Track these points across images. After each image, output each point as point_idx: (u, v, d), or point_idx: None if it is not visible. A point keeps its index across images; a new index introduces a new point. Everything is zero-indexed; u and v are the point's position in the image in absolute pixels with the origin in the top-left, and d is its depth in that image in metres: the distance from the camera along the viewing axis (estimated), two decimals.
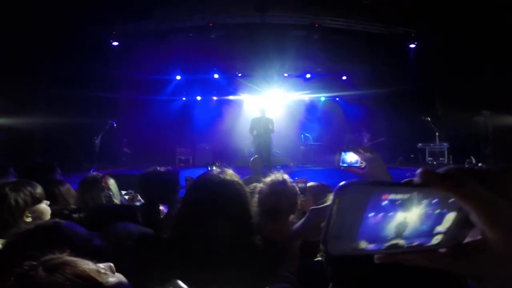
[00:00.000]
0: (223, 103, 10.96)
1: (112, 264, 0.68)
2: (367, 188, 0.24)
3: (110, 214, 1.30)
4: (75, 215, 1.38)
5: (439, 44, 7.94)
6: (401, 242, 0.26)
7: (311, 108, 10.99)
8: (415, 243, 0.26)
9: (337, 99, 10.89)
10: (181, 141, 10.04)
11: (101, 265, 0.65)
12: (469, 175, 0.24)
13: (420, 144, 8.47)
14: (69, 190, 1.95)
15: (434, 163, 8.00)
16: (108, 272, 0.65)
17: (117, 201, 1.86)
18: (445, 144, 8.06)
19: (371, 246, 0.26)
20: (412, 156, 8.92)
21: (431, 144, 8.25)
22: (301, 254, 1.06)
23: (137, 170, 6.90)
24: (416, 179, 0.25)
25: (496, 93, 6.84)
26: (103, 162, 6.52)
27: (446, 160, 8.02)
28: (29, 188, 1.28)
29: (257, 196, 1.55)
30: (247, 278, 0.87)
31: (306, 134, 10.23)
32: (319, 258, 1.14)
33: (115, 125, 6.50)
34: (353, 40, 8.61)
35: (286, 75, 10.06)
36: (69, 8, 6.47)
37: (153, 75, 9.40)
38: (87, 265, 0.62)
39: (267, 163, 6.33)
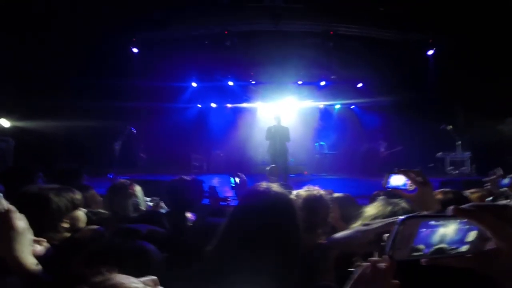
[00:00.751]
0: (238, 111, 11.03)
1: (156, 278, 0.66)
2: (419, 220, 0.40)
3: (140, 220, 1.32)
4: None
5: (459, 50, 7.75)
6: (441, 249, 0.41)
7: (325, 116, 10.89)
8: (451, 250, 0.41)
9: (352, 106, 10.76)
10: (196, 148, 10.15)
11: (146, 279, 0.64)
12: (485, 210, 0.39)
13: (440, 153, 8.21)
14: (94, 196, 2.00)
15: (456, 172, 7.72)
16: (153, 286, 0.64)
17: (143, 208, 1.89)
18: (467, 153, 7.78)
19: (419, 253, 0.40)
20: (431, 165, 8.65)
21: (452, 153, 7.98)
22: (335, 265, 1.03)
23: (154, 175, 7.02)
24: (448, 212, 0.40)
25: None
26: (121, 167, 6.66)
27: (468, 170, 7.72)
28: (70, 194, 1.30)
29: None
30: None
31: (321, 143, 10.14)
32: (354, 269, 1.10)
33: (134, 131, 6.65)
34: (368, 47, 8.53)
35: (300, 82, 10.05)
36: (92, 16, 6.74)
37: (170, 82, 9.60)
38: (135, 285, 0.60)
39: (283, 172, 6.29)
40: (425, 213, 0.44)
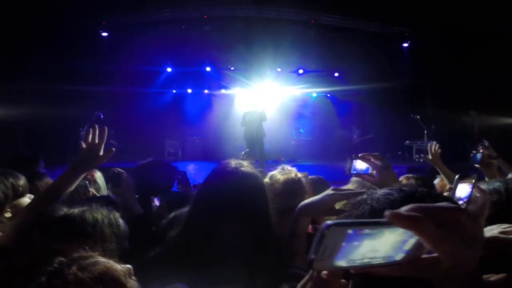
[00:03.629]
0: (215, 97, 10.81)
1: (130, 267, 0.65)
2: (347, 228, 0.32)
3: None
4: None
5: (432, 44, 8.05)
6: (371, 260, 0.35)
7: (302, 103, 11.00)
8: (383, 261, 0.35)
9: (328, 95, 10.94)
10: (171, 134, 9.87)
11: (123, 266, 0.63)
12: (425, 216, 0.33)
13: (407, 142, 8.63)
14: (48, 184, 1.84)
15: (421, 160, 8.18)
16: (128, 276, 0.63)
17: (103, 194, 1.77)
18: (431, 142, 8.23)
19: (346, 264, 0.34)
20: (399, 153, 9.08)
21: (419, 142, 8.41)
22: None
23: (124, 163, 6.73)
24: (383, 220, 0.33)
25: (483, 94, 7.02)
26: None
27: None
28: (11, 180, 1.15)
29: None
30: (261, 280, 0.82)
31: (301, 130, 10.26)
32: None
33: (102, 116, 6.30)
34: (348, 38, 8.61)
35: (279, 70, 9.99)
36: None
37: (143, 66, 9.15)
38: (117, 267, 0.60)
39: (259, 158, 6.29)
40: (354, 220, 0.36)
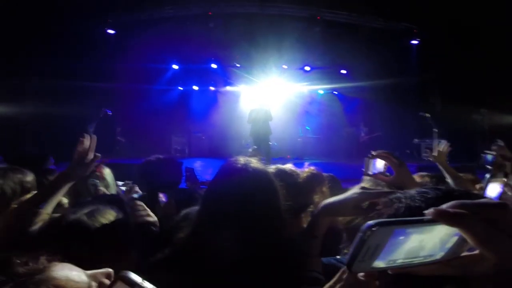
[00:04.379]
0: (221, 94, 10.80)
1: (110, 271, 0.58)
2: (392, 227, 0.31)
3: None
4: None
5: (441, 41, 7.89)
6: (412, 260, 0.34)
7: (309, 100, 10.91)
8: (424, 260, 0.34)
9: (335, 92, 10.83)
10: (177, 131, 9.90)
11: (98, 271, 0.57)
12: (469, 211, 0.32)
13: (416, 140, 8.48)
14: None
15: (430, 159, 8.05)
16: (103, 281, 0.56)
17: (113, 192, 1.77)
18: (442, 141, 8.07)
19: (385, 265, 0.33)
20: (408, 151, 8.95)
21: (427, 140, 8.27)
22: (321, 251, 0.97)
23: (132, 159, 6.78)
24: (427, 217, 0.32)
25: (494, 92, 6.86)
26: (96, 151, 6.39)
27: None
28: (19, 176, 1.18)
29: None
30: (278, 285, 0.80)
31: (307, 127, 10.19)
32: (341, 257, 1.06)
33: (109, 113, 6.35)
34: (354, 34, 8.51)
35: (285, 67, 9.92)
36: None
37: (150, 64, 9.19)
38: (74, 282, 0.51)
39: (265, 155, 6.27)
40: (398, 219, 0.34)
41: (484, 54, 7.01)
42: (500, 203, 0.33)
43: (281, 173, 1.46)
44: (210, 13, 8.37)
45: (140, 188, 2.13)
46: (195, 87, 10.68)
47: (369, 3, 7.58)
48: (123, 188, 2.16)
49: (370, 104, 9.93)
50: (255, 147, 5.10)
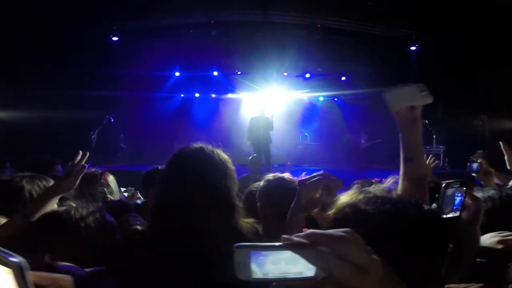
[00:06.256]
0: (222, 101, 10.91)
1: (69, 277, 0.62)
2: (247, 250, 0.38)
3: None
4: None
5: (440, 47, 7.97)
6: (286, 275, 0.38)
7: (309, 107, 10.99)
8: (296, 276, 0.38)
9: (336, 99, 10.90)
10: (179, 138, 9.96)
11: (61, 277, 0.61)
12: (313, 241, 0.37)
13: None
14: None
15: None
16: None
17: (116, 198, 1.82)
18: (441, 147, 8.09)
19: (262, 276, 0.38)
20: None
21: (427, 147, 8.27)
22: None
23: (134, 166, 6.85)
24: (279, 244, 0.38)
25: (494, 98, 6.89)
26: (99, 158, 6.46)
27: (441, 163, 8.06)
28: (44, 182, 1.29)
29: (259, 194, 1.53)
30: None
31: (306, 134, 10.23)
32: None
33: (112, 120, 6.44)
34: (354, 41, 8.60)
35: (285, 74, 10.03)
36: (69, 3, 6.36)
37: (152, 71, 9.32)
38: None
39: (266, 163, 6.32)
40: (253, 244, 0.40)
41: (484, 59, 7.07)
42: (339, 236, 0.37)
43: (280, 180, 1.52)
44: (212, 21, 8.51)
45: (142, 195, 2.19)
46: (197, 94, 10.79)
47: (368, 10, 7.69)
48: (126, 194, 2.21)
49: (370, 111, 9.98)
50: (255, 155, 5.14)
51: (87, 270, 0.61)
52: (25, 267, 0.40)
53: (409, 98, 0.99)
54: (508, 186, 1.88)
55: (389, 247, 0.45)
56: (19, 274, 0.40)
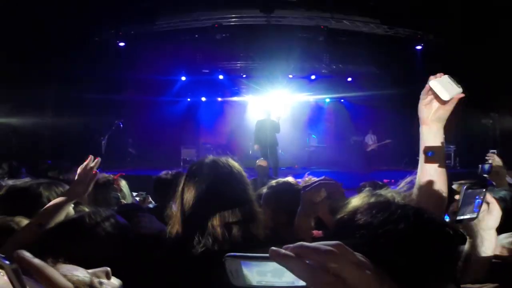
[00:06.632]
0: (228, 104, 10.96)
1: (108, 269, 0.65)
2: (237, 260, 0.40)
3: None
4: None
5: (446, 46, 7.88)
6: (274, 283, 0.40)
7: (316, 109, 10.95)
8: (287, 285, 0.39)
9: (342, 100, 10.85)
10: (186, 142, 10.06)
11: (97, 270, 0.64)
12: (298, 255, 0.37)
13: None
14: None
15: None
16: (103, 280, 0.63)
17: (128, 202, 1.86)
18: (451, 147, 7.98)
19: (256, 284, 0.40)
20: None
21: None
22: None
23: (142, 170, 6.92)
24: (267, 255, 0.38)
25: (504, 96, 6.77)
26: (108, 162, 6.56)
27: (452, 163, 7.93)
28: (60, 189, 1.31)
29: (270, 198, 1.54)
30: None
31: (313, 136, 10.20)
32: None
33: (121, 125, 6.53)
34: (359, 42, 8.56)
35: (291, 76, 10.03)
36: (77, 9, 6.50)
37: (158, 76, 9.43)
38: (79, 278, 0.58)
39: (273, 166, 6.31)
40: (243, 254, 0.40)
41: (492, 56, 6.95)
42: (326, 250, 0.37)
43: (287, 185, 1.53)
44: (216, 25, 8.59)
45: (153, 200, 2.22)
46: (203, 98, 10.88)
47: (373, 10, 7.66)
48: (137, 199, 2.25)
49: (377, 112, 9.90)
50: (262, 158, 5.15)
51: (90, 271, 0.64)
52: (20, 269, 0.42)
53: (452, 89, 0.95)
54: None
55: (388, 255, 0.45)
56: (14, 276, 0.42)
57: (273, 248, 0.38)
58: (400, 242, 0.53)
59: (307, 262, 0.36)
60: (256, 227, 1.00)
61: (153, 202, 2.13)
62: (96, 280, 0.61)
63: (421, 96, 1.00)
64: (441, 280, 0.54)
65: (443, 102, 0.96)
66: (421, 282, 0.51)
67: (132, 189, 2.57)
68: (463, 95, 0.96)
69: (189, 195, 1.04)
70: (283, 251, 0.37)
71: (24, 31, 6.27)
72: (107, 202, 1.70)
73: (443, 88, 0.94)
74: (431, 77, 0.98)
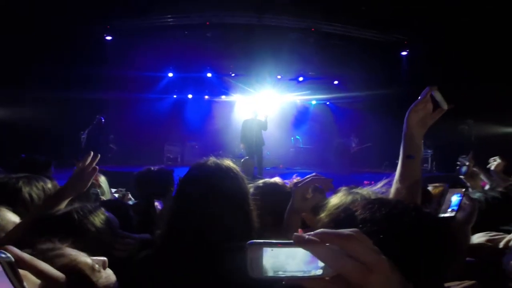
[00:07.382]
0: (215, 103, 10.89)
1: (105, 259, 0.67)
2: (261, 246, 0.40)
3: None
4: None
5: (430, 53, 8.16)
6: (294, 273, 0.39)
7: (302, 111, 11.08)
8: (304, 274, 0.39)
9: (328, 103, 11.03)
10: (170, 139, 9.90)
11: (95, 259, 0.66)
12: (322, 240, 0.38)
13: None
14: (55, 187, 1.88)
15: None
16: (100, 269, 0.65)
17: (107, 198, 1.81)
18: (429, 151, 8.28)
19: (273, 275, 0.40)
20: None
21: None
22: None
23: (123, 167, 6.75)
24: (291, 241, 0.39)
25: (480, 102, 7.10)
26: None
27: (429, 167, 8.24)
28: (41, 183, 1.28)
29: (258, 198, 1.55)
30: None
31: (297, 137, 10.30)
32: None
33: (103, 120, 6.34)
34: (347, 45, 8.73)
35: (279, 77, 10.10)
36: (62, 2, 6.26)
37: (145, 71, 9.24)
38: (84, 259, 0.62)
39: (258, 165, 6.33)
40: (268, 241, 0.40)
41: (471, 64, 7.27)
42: (348, 234, 0.38)
43: (274, 186, 1.54)
44: (207, 23, 8.49)
45: (133, 196, 2.17)
46: (190, 96, 10.75)
47: (361, 15, 7.82)
48: (117, 195, 2.19)
49: (361, 115, 10.14)
50: (247, 157, 5.15)
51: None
52: (15, 262, 0.42)
53: (442, 100, 1.03)
54: (487, 188, 1.98)
55: (392, 250, 0.45)
56: (9, 269, 0.41)
57: (297, 233, 0.38)
58: (405, 235, 0.55)
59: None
60: (252, 227, 1.00)
61: (132, 199, 2.08)
62: (96, 266, 0.64)
63: (417, 102, 1.05)
64: (439, 274, 0.57)
65: (434, 111, 1.03)
66: (423, 275, 0.53)
67: (113, 185, 2.50)
68: (452, 106, 1.04)
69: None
70: (307, 236, 0.38)
71: (4, 21, 5.97)
72: (86, 198, 1.65)
73: (442, 99, 1.02)
74: (430, 87, 1.04)
